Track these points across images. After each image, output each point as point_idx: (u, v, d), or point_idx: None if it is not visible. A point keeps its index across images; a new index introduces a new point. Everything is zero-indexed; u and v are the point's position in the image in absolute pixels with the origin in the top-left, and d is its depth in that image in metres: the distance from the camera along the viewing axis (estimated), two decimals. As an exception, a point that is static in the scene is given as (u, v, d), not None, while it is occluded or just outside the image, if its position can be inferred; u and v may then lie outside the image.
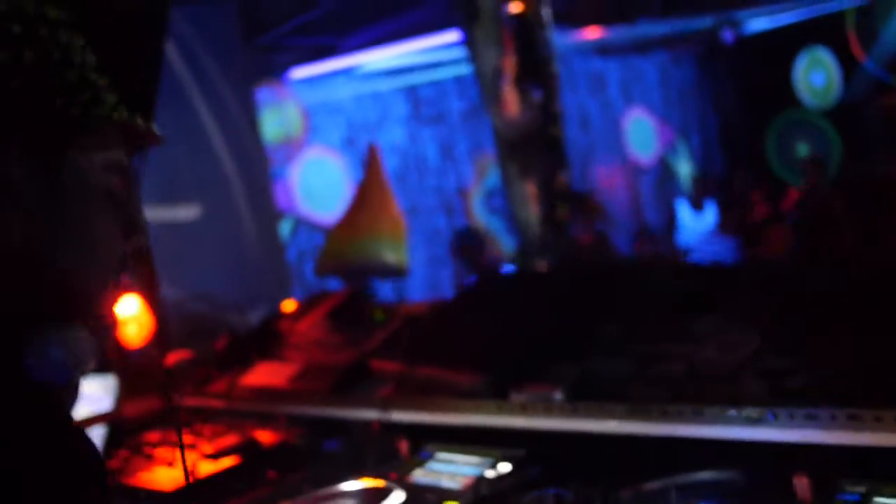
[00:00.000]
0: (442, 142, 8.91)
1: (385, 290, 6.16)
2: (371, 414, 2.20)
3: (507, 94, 3.66)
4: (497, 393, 1.95)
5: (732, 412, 1.55)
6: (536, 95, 3.68)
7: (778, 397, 1.54)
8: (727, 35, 9.76)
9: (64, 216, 0.98)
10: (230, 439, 2.38)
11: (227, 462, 2.28)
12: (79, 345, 0.95)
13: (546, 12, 3.66)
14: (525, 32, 3.62)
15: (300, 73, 6.81)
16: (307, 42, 6.59)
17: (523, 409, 1.88)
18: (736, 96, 11.81)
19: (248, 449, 2.31)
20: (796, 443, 1.47)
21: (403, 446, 2.10)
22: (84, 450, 0.89)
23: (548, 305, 2.13)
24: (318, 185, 7.87)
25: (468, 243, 5.38)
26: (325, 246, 3.15)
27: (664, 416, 1.64)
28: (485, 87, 3.72)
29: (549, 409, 1.83)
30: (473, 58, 3.77)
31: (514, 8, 3.55)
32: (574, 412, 1.79)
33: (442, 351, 2.16)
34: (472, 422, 1.98)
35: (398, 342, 2.38)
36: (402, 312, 2.60)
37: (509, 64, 3.62)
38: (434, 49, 7.64)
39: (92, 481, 0.89)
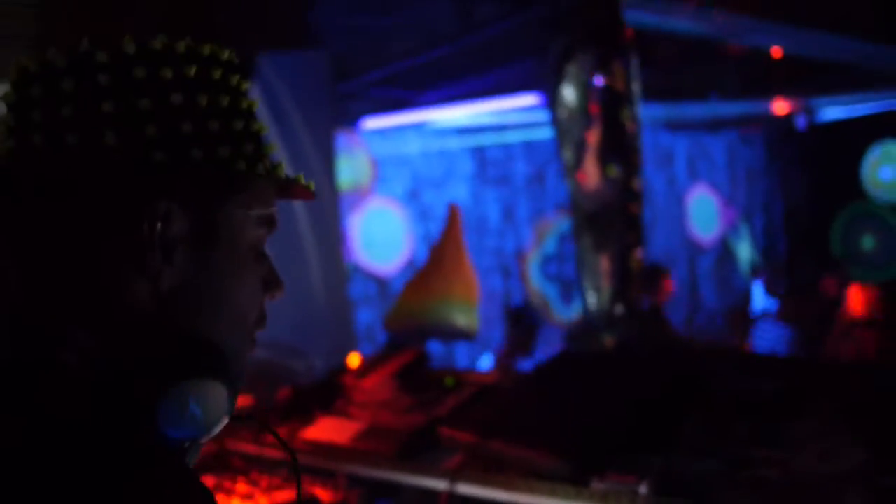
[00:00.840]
0: (504, 203, 8.89)
1: (437, 349, 6.09)
2: (438, 484, 2.13)
3: (588, 166, 3.61)
4: (575, 478, 1.88)
5: (837, 529, 1.46)
6: (618, 170, 3.63)
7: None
8: (800, 120, 9.67)
9: (215, 270, 0.94)
10: (287, 494, 2.33)
11: (284, 517, 2.23)
12: (216, 402, 0.89)
13: (636, 87, 3.63)
14: (613, 105, 3.58)
15: (373, 123, 6.84)
16: (384, 93, 6.63)
17: (604, 499, 1.80)
18: (804, 182, 11.67)
19: (305, 505, 2.26)
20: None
21: (470, 522, 2.03)
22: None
23: (633, 391, 2.06)
24: (378, 235, 7.87)
25: (524, 319, 5.30)
26: (397, 303, 3.10)
27: (760, 525, 1.55)
28: (566, 156, 3.68)
29: (633, 501, 1.75)
30: (556, 126, 3.73)
31: (605, 79, 3.51)
32: (660, 509, 1.71)
33: (518, 427, 2.10)
34: (547, 505, 1.91)
35: (470, 411, 2.31)
36: (474, 380, 2.53)
37: (594, 135, 3.58)
38: (506, 111, 7.65)
39: None
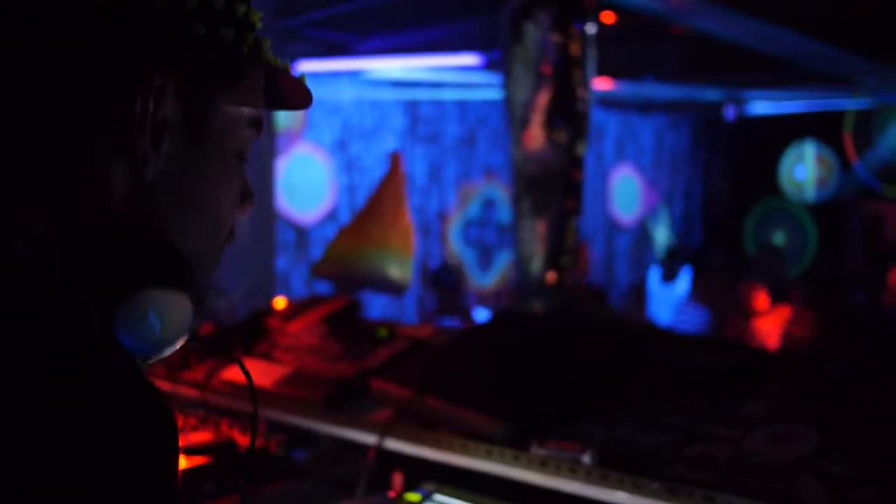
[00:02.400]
0: (432, 162, 8.79)
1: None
2: (366, 437, 2.04)
3: (534, 128, 3.53)
4: (514, 443, 1.80)
5: (790, 515, 1.42)
6: (565, 135, 3.56)
7: (839, 507, 1.42)
8: (729, 111, 9.77)
9: (200, 169, 0.84)
10: (203, 435, 2.20)
11: (199, 460, 2.10)
12: (178, 315, 0.79)
13: (592, 53, 3.55)
14: (566, 68, 3.50)
15: (308, 66, 6.65)
16: (322, 35, 6.44)
17: (543, 466, 1.73)
18: (725, 172, 11.85)
19: (222, 449, 2.14)
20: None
21: (398, 479, 1.94)
22: (164, 416, 0.73)
23: (578, 358, 1.99)
24: (301, 183, 7.69)
25: (444, 279, 5.24)
26: (328, 248, 2.98)
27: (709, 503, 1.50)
28: (513, 116, 3.59)
29: (574, 470, 1.68)
30: (506, 84, 3.64)
31: (561, 40, 3.43)
32: (603, 479, 1.64)
33: (456, 385, 2.01)
34: (481, 468, 1.83)
35: (404, 365, 2.22)
36: (408, 333, 2.44)
37: (544, 97, 3.50)
38: (443, 69, 7.52)
39: (168, 449, 0.74)
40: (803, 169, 11.06)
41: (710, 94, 9.45)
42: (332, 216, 7.97)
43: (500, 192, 9.14)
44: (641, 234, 11.04)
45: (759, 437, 1.64)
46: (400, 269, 2.83)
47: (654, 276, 8.58)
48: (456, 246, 8.99)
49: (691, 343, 2.34)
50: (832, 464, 1.52)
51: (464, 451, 1.86)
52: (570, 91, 3.57)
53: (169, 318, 0.78)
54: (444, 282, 5.57)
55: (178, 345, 0.81)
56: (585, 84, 3.60)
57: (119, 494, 0.66)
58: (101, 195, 0.79)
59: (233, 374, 2.47)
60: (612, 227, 10.67)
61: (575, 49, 3.53)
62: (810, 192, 10.98)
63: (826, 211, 10.78)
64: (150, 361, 0.82)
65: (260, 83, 0.90)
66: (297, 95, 0.97)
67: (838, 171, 10.69)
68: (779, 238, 11.15)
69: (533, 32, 3.49)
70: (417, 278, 7.65)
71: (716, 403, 1.78)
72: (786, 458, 1.56)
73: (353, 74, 7.46)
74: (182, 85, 0.81)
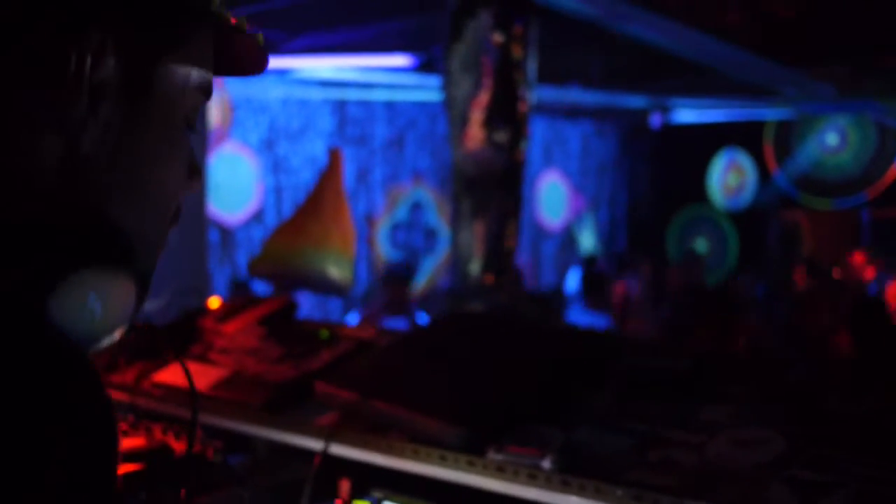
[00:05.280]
0: (360, 164, 8.70)
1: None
2: (310, 443, 1.95)
3: (473, 128, 3.48)
4: (469, 447, 1.73)
5: (761, 521, 1.38)
6: (504, 136, 3.51)
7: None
8: (654, 119, 9.88)
9: (144, 137, 0.75)
10: (134, 441, 2.08)
11: (130, 467, 1.98)
12: (121, 299, 0.72)
13: (533, 54, 3.51)
14: (507, 68, 3.46)
15: (235, 63, 6.50)
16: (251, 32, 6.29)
17: (501, 472, 1.66)
18: (650, 179, 12.00)
19: (155, 456, 2.02)
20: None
21: (345, 486, 1.86)
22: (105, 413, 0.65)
23: (534, 360, 1.93)
24: (226, 182, 7.52)
25: (400, 274, 5.13)
26: (265, 246, 2.87)
27: (677, 511, 1.45)
28: (453, 115, 3.53)
29: (533, 476, 1.62)
30: (447, 83, 3.58)
31: (503, 40, 3.38)
32: (564, 485, 1.58)
33: (405, 387, 1.93)
34: (434, 474, 1.76)
35: (349, 367, 2.14)
36: (351, 334, 2.35)
37: (484, 97, 3.45)
38: (372, 69, 7.44)
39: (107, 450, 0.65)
40: (734, 177, 11.26)
41: (636, 102, 9.55)
42: (257, 217, 7.82)
43: (429, 196, 9.08)
44: (567, 239, 11.09)
45: (723, 441, 1.60)
46: (340, 270, 2.74)
47: (571, 277, 8.62)
48: (383, 249, 8.90)
49: (650, 347, 2.30)
50: (800, 468, 1.48)
51: (415, 456, 1.79)
52: (511, 91, 3.53)
53: (110, 303, 0.70)
54: (401, 277, 5.43)
55: (118, 333, 0.73)
56: (526, 85, 3.56)
57: (55, 491, 0.60)
58: (29, 168, 0.69)
59: (165, 375, 2.35)
60: (539, 232, 10.70)
61: (517, 49, 3.49)
62: (740, 200, 11.18)
63: (747, 219, 10.99)
64: (89, 350, 0.74)
65: (210, 42, 0.81)
66: (252, 58, 0.88)
67: (758, 180, 10.90)
68: (701, 245, 11.32)
69: (475, 31, 3.44)
70: (368, 275, 7.58)
71: (677, 407, 1.74)
72: (752, 463, 1.52)
73: (281, 73, 7.33)
74: (123, 42, 0.71)
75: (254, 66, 0.89)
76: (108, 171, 0.73)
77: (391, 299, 4.56)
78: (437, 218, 8.91)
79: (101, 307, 0.69)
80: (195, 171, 0.84)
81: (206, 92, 0.82)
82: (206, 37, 0.80)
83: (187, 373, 0.89)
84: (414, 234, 9.13)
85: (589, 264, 8.58)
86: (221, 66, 0.84)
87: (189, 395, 2.10)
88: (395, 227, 9.03)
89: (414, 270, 6.83)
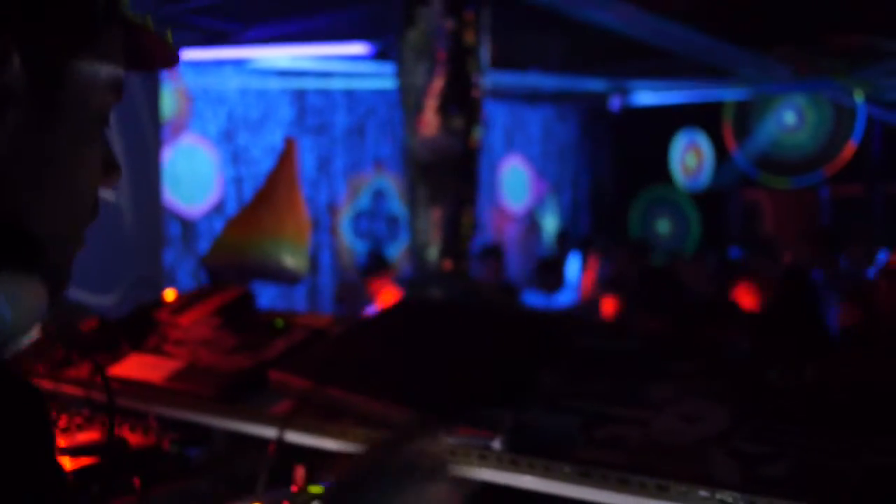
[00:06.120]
0: (320, 153, 8.67)
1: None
2: (266, 431, 1.96)
3: (428, 114, 3.48)
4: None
5: (703, 493, 1.41)
6: (459, 122, 3.52)
7: (752, 484, 1.41)
8: (614, 102, 9.93)
9: (53, 139, 0.75)
10: (90, 435, 2.08)
11: (86, 460, 1.98)
12: (31, 302, 0.71)
13: (486, 39, 3.52)
14: (461, 54, 3.46)
15: (191, 55, 6.45)
16: (206, 23, 6.26)
17: (451, 454, 1.68)
18: (611, 162, 12.06)
19: (111, 449, 2.03)
20: (777, 539, 1.33)
21: (300, 473, 1.87)
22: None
23: (483, 343, 1.95)
24: (186, 175, 7.47)
25: (376, 268, 5.09)
26: (219, 236, 2.87)
27: (623, 486, 1.48)
28: (407, 102, 3.54)
29: (484, 457, 1.64)
30: (401, 70, 3.58)
31: (455, 26, 3.39)
32: (514, 465, 1.61)
33: (358, 373, 1.95)
34: (387, 458, 1.77)
35: (303, 355, 2.15)
36: (305, 323, 2.36)
37: (438, 83, 3.46)
38: (330, 58, 7.41)
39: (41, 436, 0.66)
40: (693, 158, 11.34)
41: (595, 85, 9.59)
42: (218, 209, 7.78)
43: (391, 183, 9.08)
44: (531, 223, 11.13)
45: (669, 417, 1.63)
46: (295, 258, 2.74)
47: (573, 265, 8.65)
48: (347, 238, 8.89)
49: (599, 328, 2.33)
50: (742, 441, 1.52)
51: (369, 441, 1.80)
52: (464, 77, 3.54)
53: (19, 305, 0.70)
54: (379, 266, 5.40)
55: (30, 335, 0.73)
56: (480, 70, 3.57)
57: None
58: None
59: (120, 369, 2.35)
60: (502, 216, 10.73)
61: (469, 35, 3.50)
62: (701, 180, 11.26)
63: (709, 199, 11.09)
64: (4, 353, 0.74)
65: (118, 40, 0.81)
66: (162, 54, 0.89)
67: (717, 160, 10.99)
68: (663, 226, 11.41)
69: (428, 17, 3.44)
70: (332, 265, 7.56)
71: (623, 385, 1.77)
72: (696, 437, 1.55)
73: (238, 63, 7.29)
74: (27, 46, 0.71)
75: (164, 60, 0.90)
76: (17, 174, 0.73)
77: (378, 291, 4.55)
78: (400, 205, 8.92)
79: (9, 310, 0.70)
80: (112, 167, 0.84)
81: (117, 89, 0.82)
82: (114, 35, 0.81)
83: (100, 368, 0.89)
84: (377, 222, 9.13)
85: (562, 245, 8.62)
86: (133, 61, 0.85)
87: (145, 389, 2.10)
88: (358, 216, 9.02)
89: (383, 257, 6.85)
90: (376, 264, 5.29)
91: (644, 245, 8.88)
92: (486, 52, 3.58)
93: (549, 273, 7.35)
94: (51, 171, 0.75)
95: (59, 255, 0.78)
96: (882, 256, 6.81)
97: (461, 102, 3.55)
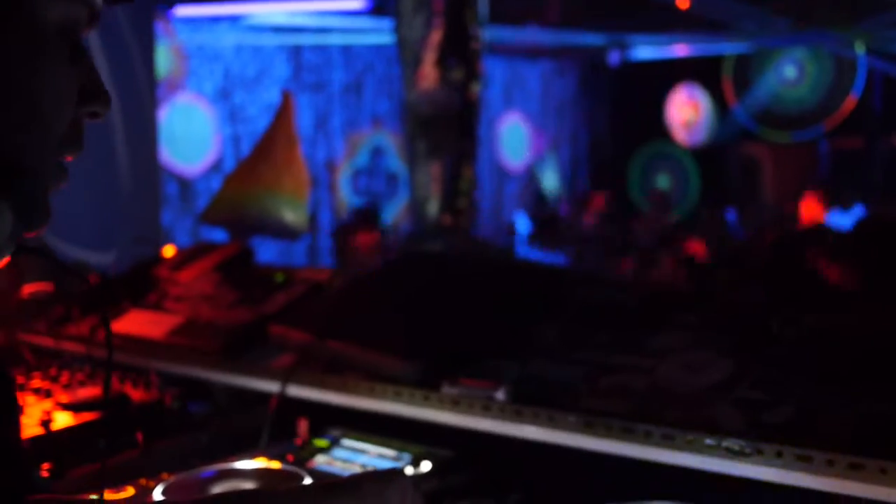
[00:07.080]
0: (318, 111, 8.61)
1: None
2: (268, 385, 1.96)
3: (427, 67, 3.45)
4: (424, 382, 1.74)
5: (709, 441, 1.40)
6: (458, 74, 3.49)
7: (755, 431, 1.40)
8: (613, 56, 9.85)
9: (5, 54, 0.70)
10: (92, 391, 2.08)
11: (88, 416, 1.98)
12: None
13: (484, -10, 3.48)
14: (458, 4, 3.42)
15: (186, 10, 6.38)
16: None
17: (455, 405, 1.68)
18: (610, 117, 11.99)
19: (113, 404, 2.02)
20: (782, 484, 1.33)
21: (303, 426, 1.87)
22: None
23: (485, 295, 1.94)
24: (183, 133, 7.42)
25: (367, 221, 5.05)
26: (218, 193, 2.85)
27: (627, 435, 1.47)
28: (406, 56, 3.50)
29: (487, 408, 1.64)
30: (399, 24, 3.54)
31: (453, -23, 3.35)
32: (518, 415, 1.60)
33: (359, 326, 1.94)
34: (390, 410, 1.77)
35: (304, 309, 2.14)
36: (306, 277, 2.35)
37: (436, 35, 3.42)
38: (327, 13, 7.34)
39: None
40: (691, 113, 11.28)
41: (594, 40, 9.51)
42: (216, 167, 7.74)
43: (389, 140, 9.03)
44: (530, 179, 11.10)
45: (673, 366, 1.62)
46: (294, 213, 2.73)
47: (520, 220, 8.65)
48: (345, 195, 8.86)
49: (601, 281, 2.32)
50: (746, 389, 1.51)
51: (371, 393, 1.80)
52: (462, 29, 3.50)
53: None
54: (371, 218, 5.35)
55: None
56: (478, 22, 3.53)
57: None
58: None
59: (121, 325, 2.34)
60: (501, 173, 10.69)
61: (467, -15, 3.46)
62: (691, 135, 11.21)
63: (708, 154, 11.04)
64: None
65: None
66: None
67: (716, 115, 10.92)
68: (663, 181, 11.37)
69: (424, -32, 3.40)
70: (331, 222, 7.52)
71: (628, 335, 1.76)
72: (700, 386, 1.55)
73: (233, 19, 7.21)
74: None
75: None
76: None
77: (364, 243, 4.51)
78: (399, 162, 8.88)
79: None
80: (94, 96, 0.79)
81: (90, 12, 0.77)
82: None
83: (106, 323, 0.87)
84: (375, 179, 9.09)
85: (539, 206, 8.62)
86: None
87: (146, 345, 2.09)
88: (357, 173, 8.99)
89: (372, 213, 6.83)
90: (361, 220, 5.25)
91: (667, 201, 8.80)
92: (484, 4, 3.53)
93: (549, 230, 7.35)
94: (4, 86, 0.71)
95: (28, 180, 0.74)
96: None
97: (460, 54, 3.52)
